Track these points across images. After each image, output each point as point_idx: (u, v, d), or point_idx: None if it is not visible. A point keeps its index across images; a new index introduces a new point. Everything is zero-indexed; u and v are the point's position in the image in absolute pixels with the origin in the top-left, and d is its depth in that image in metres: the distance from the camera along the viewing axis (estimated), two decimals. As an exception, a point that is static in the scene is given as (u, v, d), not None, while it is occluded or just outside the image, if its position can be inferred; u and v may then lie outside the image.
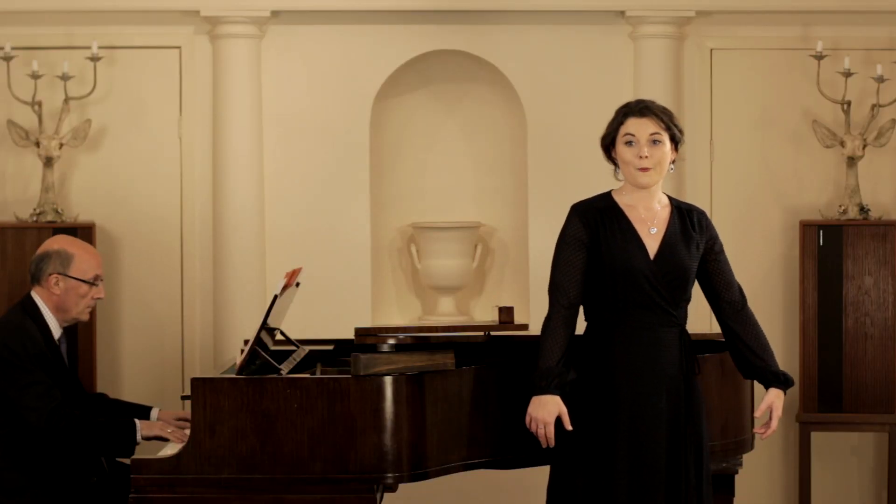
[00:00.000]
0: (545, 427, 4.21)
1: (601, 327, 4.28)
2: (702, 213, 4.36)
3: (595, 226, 4.27)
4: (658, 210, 4.30)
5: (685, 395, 4.26)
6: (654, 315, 4.23)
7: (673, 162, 4.29)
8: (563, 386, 4.22)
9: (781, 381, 4.33)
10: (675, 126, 4.28)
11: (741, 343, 4.34)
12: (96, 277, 4.87)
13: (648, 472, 4.20)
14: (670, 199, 4.36)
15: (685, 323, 4.31)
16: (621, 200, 4.31)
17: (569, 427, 4.20)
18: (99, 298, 4.90)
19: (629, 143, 4.27)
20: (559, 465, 4.30)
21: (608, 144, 4.36)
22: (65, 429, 4.61)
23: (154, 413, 4.91)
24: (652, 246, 4.25)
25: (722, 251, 4.35)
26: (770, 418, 4.34)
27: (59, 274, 4.82)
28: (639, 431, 4.20)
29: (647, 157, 4.22)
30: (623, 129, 4.29)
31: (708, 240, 4.32)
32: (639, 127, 4.26)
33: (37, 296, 4.84)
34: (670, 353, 4.25)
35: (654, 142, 4.24)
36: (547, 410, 4.22)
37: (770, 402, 4.32)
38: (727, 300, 4.34)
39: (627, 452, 4.19)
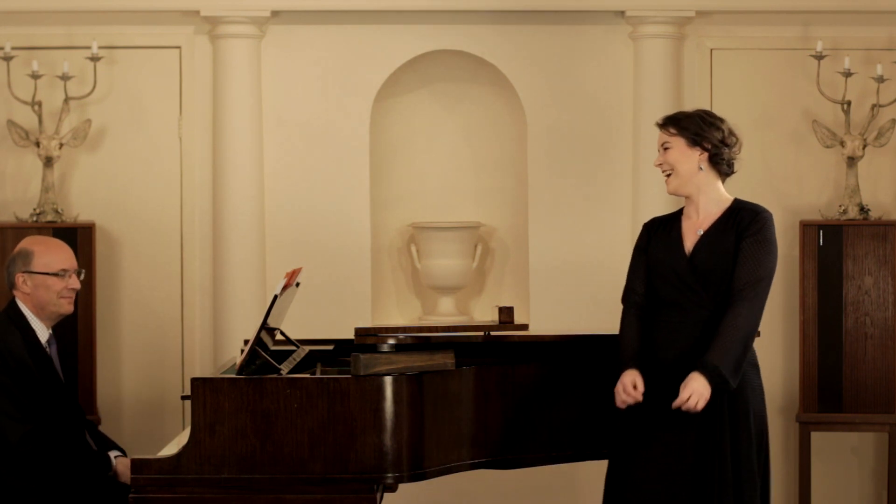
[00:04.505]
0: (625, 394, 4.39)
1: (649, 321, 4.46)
2: (751, 212, 4.41)
3: (653, 233, 4.52)
4: (712, 213, 4.45)
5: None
6: (689, 312, 4.35)
7: (716, 166, 4.46)
8: (640, 363, 4.40)
9: (701, 366, 4.27)
10: (691, 131, 4.44)
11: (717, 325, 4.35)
12: (63, 269, 4.89)
13: (675, 462, 4.32)
14: (735, 200, 4.49)
15: None
16: (685, 211, 4.53)
17: (630, 392, 4.38)
18: (74, 289, 4.93)
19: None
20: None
21: None
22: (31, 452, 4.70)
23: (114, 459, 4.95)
24: (689, 247, 4.41)
25: (753, 243, 4.36)
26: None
27: (24, 272, 4.89)
28: (667, 424, 4.32)
29: (658, 164, 4.47)
30: None
31: (740, 231, 4.38)
32: (658, 139, 4.50)
33: (18, 300, 4.89)
34: (703, 345, 4.31)
35: (665, 149, 4.47)
36: (621, 381, 4.40)
37: (686, 384, 4.29)
38: (731, 284, 4.35)
39: (655, 443, 4.34)
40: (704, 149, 4.43)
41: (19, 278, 4.89)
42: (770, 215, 4.44)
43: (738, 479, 4.31)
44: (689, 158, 4.42)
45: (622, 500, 4.39)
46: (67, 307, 4.94)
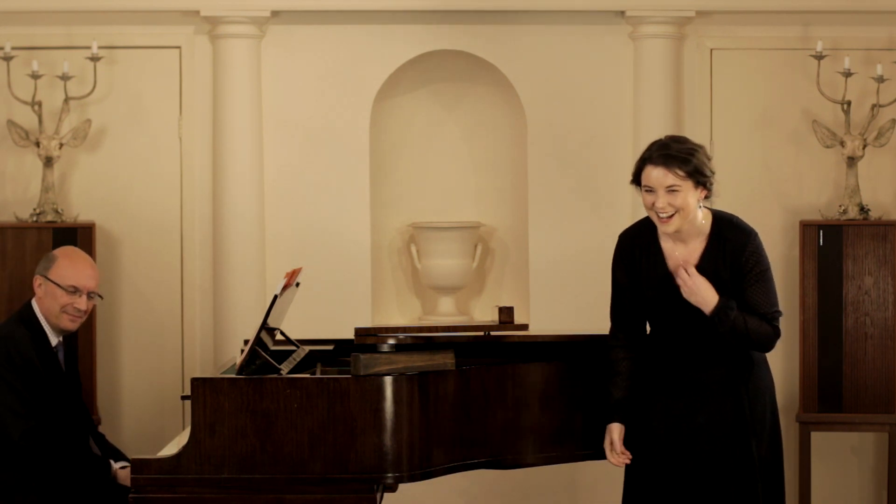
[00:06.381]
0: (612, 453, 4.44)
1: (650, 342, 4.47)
2: (737, 243, 4.33)
3: (631, 260, 4.42)
4: (696, 243, 4.36)
5: (744, 395, 4.41)
6: (692, 345, 4.35)
7: (706, 197, 4.32)
8: (627, 416, 4.41)
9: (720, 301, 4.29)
10: (699, 172, 4.26)
11: None
12: (73, 287, 4.86)
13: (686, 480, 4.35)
14: (714, 220, 4.37)
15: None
16: (663, 231, 4.38)
17: (619, 451, 4.41)
18: (80, 309, 4.89)
19: (648, 191, 4.30)
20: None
21: (636, 183, 4.37)
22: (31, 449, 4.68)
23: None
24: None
25: (755, 279, 4.32)
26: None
27: (41, 275, 4.89)
28: (674, 447, 4.34)
29: (662, 207, 4.26)
30: (643, 178, 4.31)
31: (736, 268, 4.32)
32: (656, 178, 4.27)
33: (33, 301, 4.89)
34: (709, 369, 4.35)
35: (672, 192, 4.26)
36: (606, 439, 4.44)
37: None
38: None
39: (660, 469, 4.35)
40: (706, 187, 4.30)
41: (37, 280, 4.90)
42: (755, 234, 4.37)
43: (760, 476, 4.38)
44: (694, 199, 4.28)
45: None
46: (68, 324, 4.90)
